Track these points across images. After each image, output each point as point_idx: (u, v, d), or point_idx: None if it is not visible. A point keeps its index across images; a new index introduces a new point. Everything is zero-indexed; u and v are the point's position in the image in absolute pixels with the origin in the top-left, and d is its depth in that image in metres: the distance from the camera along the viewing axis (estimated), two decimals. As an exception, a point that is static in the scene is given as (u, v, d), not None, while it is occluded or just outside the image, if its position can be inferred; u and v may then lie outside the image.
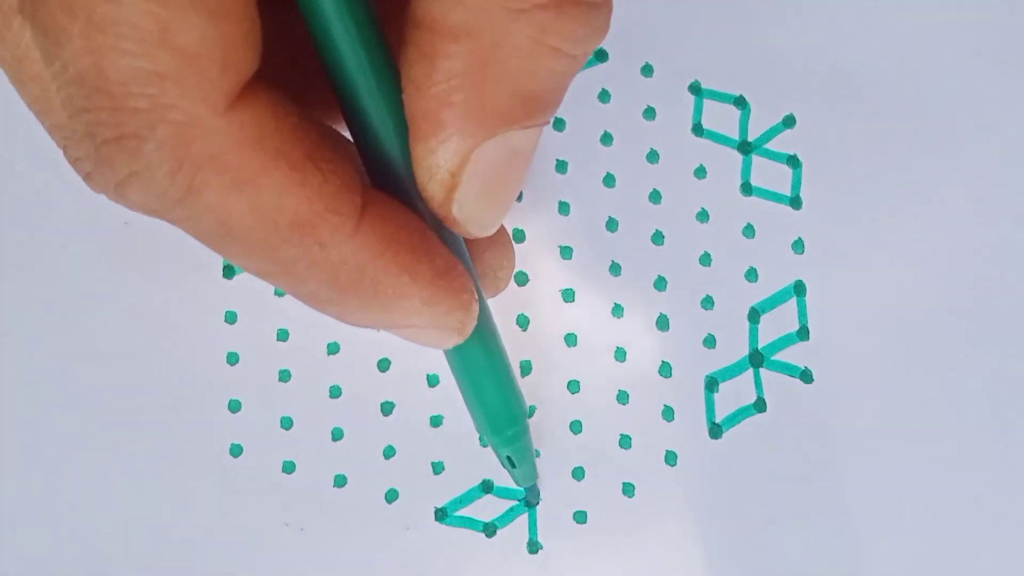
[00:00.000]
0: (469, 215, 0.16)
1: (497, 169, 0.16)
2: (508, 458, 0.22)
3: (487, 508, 0.24)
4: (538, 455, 0.24)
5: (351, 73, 0.15)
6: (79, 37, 0.13)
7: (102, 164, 0.14)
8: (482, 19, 0.14)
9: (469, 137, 0.15)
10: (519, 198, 0.24)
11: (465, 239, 0.18)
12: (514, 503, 0.24)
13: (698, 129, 0.25)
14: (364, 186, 0.16)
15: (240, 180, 0.14)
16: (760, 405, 0.24)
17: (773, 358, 0.24)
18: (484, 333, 0.19)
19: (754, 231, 0.25)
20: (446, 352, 0.19)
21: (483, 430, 0.21)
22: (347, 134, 0.17)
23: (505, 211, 0.17)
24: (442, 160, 0.15)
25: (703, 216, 0.25)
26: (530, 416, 0.24)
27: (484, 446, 0.24)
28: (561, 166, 0.25)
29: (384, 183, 0.16)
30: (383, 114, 0.16)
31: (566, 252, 0.24)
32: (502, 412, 0.20)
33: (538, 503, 0.24)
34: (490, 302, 0.24)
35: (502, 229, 0.20)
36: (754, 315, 0.24)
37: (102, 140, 0.14)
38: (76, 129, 0.14)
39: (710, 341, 0.24)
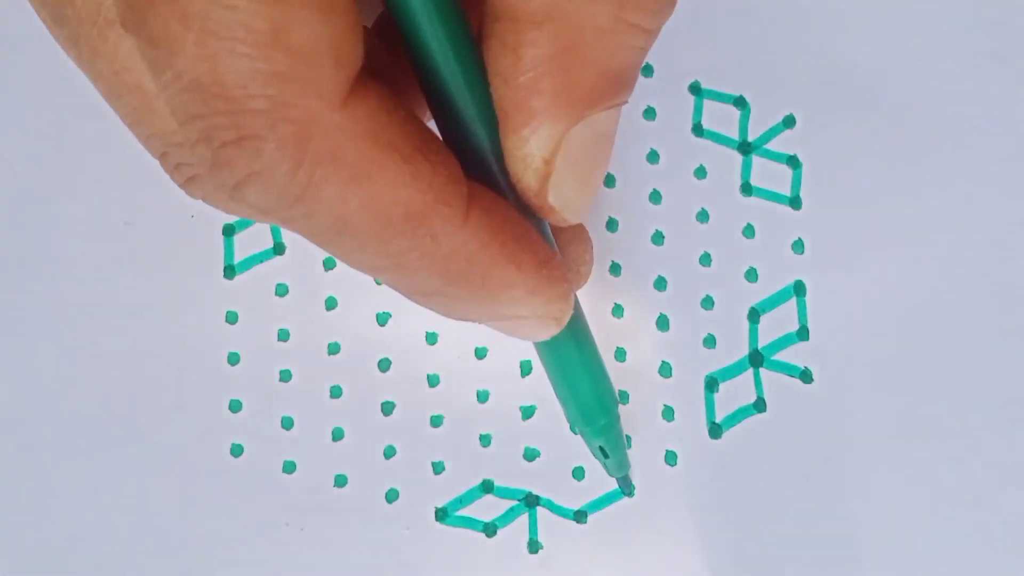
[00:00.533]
0: (565, 201, 0.16)
1: (587, 152, 0.16)
2: (600, 448, 0.22)
3: (487, 508, 0.24)
4: (537, 455, 0.24)
5: (439, 70, 0.16)
6: (194, 45, 0.13)
7: (220, 167, 0.14)
8: (562, 4, 0.14)
9: (559, 122, 0.15)
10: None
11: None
12: (514, 503, 0.24)
13: (698, 129, 0.25)
14: (468, 178, 0.16)
15: (357, 174, 0.14)
16: (760, 405, 0.24)
17: (773, 358, 0.24)
18: (575, 324, 0.19)
19: (754, 231, 0.25)
20: (537, 344, 0.19)
21: (575, 421, 0.21)
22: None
23: (595, 194, 0.17)
24: (535, 148, 0.15)
25: (703, 216, 0.25)
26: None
27: (575, 433, 0.23)
28: (561, 166, 0.25)
29: (476, 177, 0.16)
30: (471, 109, 0.16)
31: (566, 252, 0.24)
32: (594, 402, 0.20)
33: (632, 494, 0.24)
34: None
35: (581, 225, 0.20)
36: (754, 315, 0.24)
37: (220, 143, 0.14)
38: (188, 136, 0.14)
39: (710, 341, 0.24)
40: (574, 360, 0.20)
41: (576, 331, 0.19)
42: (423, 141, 0.15)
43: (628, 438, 0.24)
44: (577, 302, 0.19)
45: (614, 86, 0.15)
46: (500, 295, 0.16)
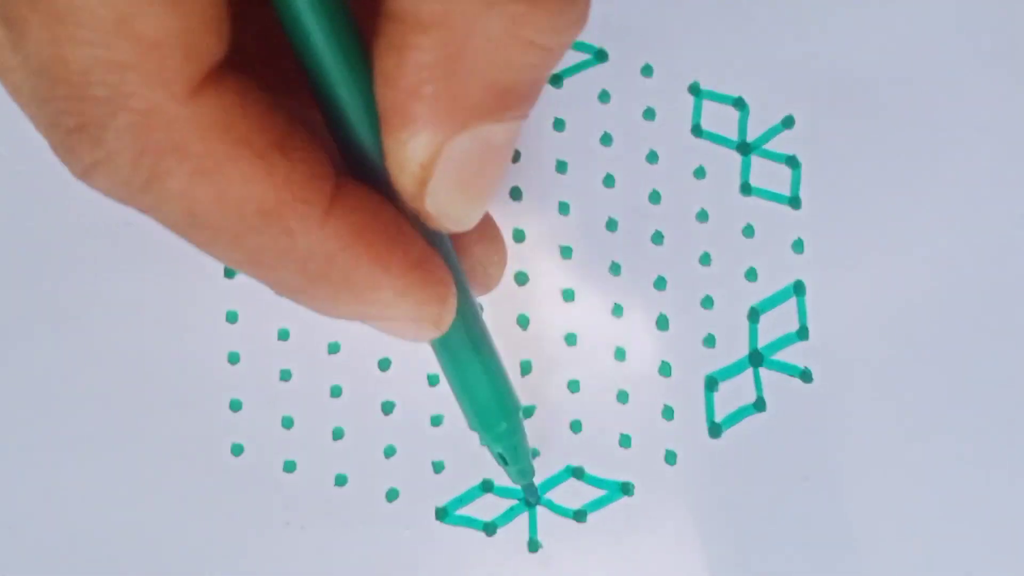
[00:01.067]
0: (442, 209, 0.16)
1: (471, 163, 0.16)
2: (500, 455, 0.21)
3: (487, 508, 0.24)
4: (536, 454, 0.24)
5: (323, 65, 0.15)
6: (40, 28, 0.13)
7: (69, 153, 0.14)
8: (453, 10, 0.14)
9: (440, 130, 0.15)
10: (519, 197, 0.24)
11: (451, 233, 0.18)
12: (514, 503, 0.24)
13: (697, 130, 0.25)
14: (337, 176, 0.15)
15: (203, 168, 0.14)
16: (760, 405, 0.24)
17: (773, 358, 0.24)
18: (471, 327, 0.19)
19: (754, 231, 0.25)
20: (434, 347, 0.19)
21: (473, 426, 0.21)
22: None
23: (483, 205, 0.17)
24: (412, 153, 0.15)
25: (703, 216, 0.25)
26: (528, 416, 0.24)
27: (483, 444, 0.24)
28: (561, 166, 0.25)
29: (362, 174, 0.16)
30: (357, 106, 0.16)
31: (566, 252, 0.24)
32: (491, 407, 0.20)
33: (537, 502, 0.24)
34: (490, 303, 0.24)
35: (492, 225, 0.20)
36: (754, 315, 0.25)
37: (65, 129, 0.14)
38: (44, 119, 0.14)
39: (710, 341, 0.24)
40: (469, 363, 0.19)
41: (471, 334, 0.19)
42: (283, 136, 0.15)
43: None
44: (471, 304, 0.19)
45: (504, 100, 0.15)
46: (365, 296, 0.16)
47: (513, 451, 0.21)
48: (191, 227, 0.15)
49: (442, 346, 0.19)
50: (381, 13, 0.15)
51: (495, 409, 0.20)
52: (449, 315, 0.18)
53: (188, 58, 0.13)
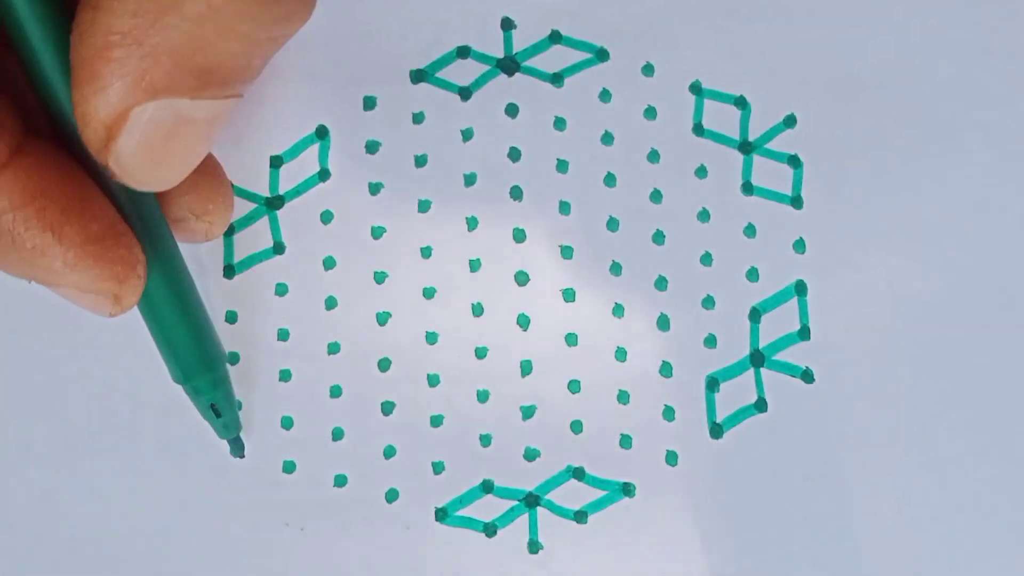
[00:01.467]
0: (127, 170, 0.16)
1: (160, 131, 0.15)
2: (212, 407, 0.22)
3: (487, 508, 0.24)
4: (537, 455, 0.24)
5: (19, 10, 0.15)
6: None
7: None
8: None
9: (126, 96, 0.15)
10: (519, 197, 0.24)
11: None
12: (514, 503, 0.24)
13: (699, 129, 0.25)
14: (22, 135, 0.15)
15: None
16: (761, 405, 0.24)
17: (774, 358, 0.24)
18: (172, 280, 0.19)
19: (755, 231, 0.25)
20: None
21: (177, 378, 0.21)
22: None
23: (176, 171, 0.17)
24: (96, 112, 0.15)
25: (704, 216, 0.25)
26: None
27: (189, 396, 0.22)
28: (561, 166, 0.24)
29: (60, 133, 0.16)
30: (53, 58, 0.15)
31: (566, 252, 0.24)
32: (195, 359, 0.20)
33: (242, 456, 0.23)
34: (490, 303, 0.24)
35: (217, 171, 0.20)
36: (755, 315, 0.24)
37: None
38: None
39: (711, 341, 0.24)
40: (172, 317, 0.20)
41: (174, 287, 0.19)
42: None
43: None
44: (174, 256, 0.19)
45: (201, 80, 0.15)
46: (33, 261, 0.16)
47: (221, 402, 0.22)
48: None
49: (145, 298, 0.19)
50: None
51: (198, 361, 0.20)
52: (131, 295, 0.17)
53: None
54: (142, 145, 0.15)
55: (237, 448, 0.23)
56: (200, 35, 0.14)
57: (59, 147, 0.16)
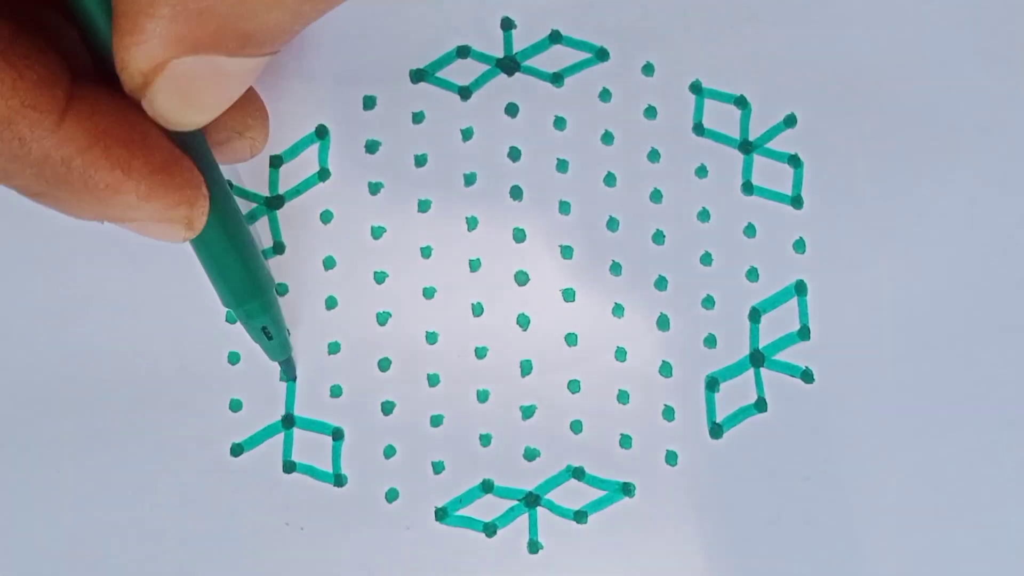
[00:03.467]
0: (160, 113, 0.16)
1: (196, 82, 0.16)
2: (263, 330, 0.22)
3: (487, 508, 0.24)
4: (537, 454, 0.24)
5: None
6: None
7: None
8: None
9: (167, 50, 0.15)
10: (519, 197, 0.24)
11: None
12: (514, 503, 0.24)
13: (699, 128, 0.25)
14: (72, 81, 0.16)
15: None
16: (761, 405, 0.24)
17: (774, 358, 0.24)
18: (223, 212, 0.19)
19: (755, 231, 0.25)
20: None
21: (229, 303, 0.21)
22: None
23: (208, 115, 0.17)
24: (135, 61, 0.15)
25: (704, 216, 0.25)
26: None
27: (240, 322, 0.23)
28: (561, 166, 0.24)
29: (109, 75, 0.16)
30: (99, 4, 0.16)
31: (566, 252, 0.24)
32: (247, 284, 0.21)
33: (295, 378, 0.24)
34: (490, 302, 0.24)
35: (251, 90, 0.20)
36: (755, 315, 0.24)
37: None
38: None
39: (711, 341, 0.24)
40: (223, 244, 0.20)
41: (226, 219, 0.20)
42: (9, 45, 0.15)
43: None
44: (224, 192, 0.20)
45: (240, 42, 0.15)
46: (108, 199, 0.16)
47: (273, 325, 0.22)
48: None
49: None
50: None
51: (250, 286, 0.21)
52: (200, 217, 0.18)
53: None
54: (177, 94, 0.16)
55: (289, 370, 0.24)
56: (249, 5, 0.15)
57: (108, 88, 0.17)
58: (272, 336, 0.22)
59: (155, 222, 0.17)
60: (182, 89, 0.16)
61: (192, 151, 0.18)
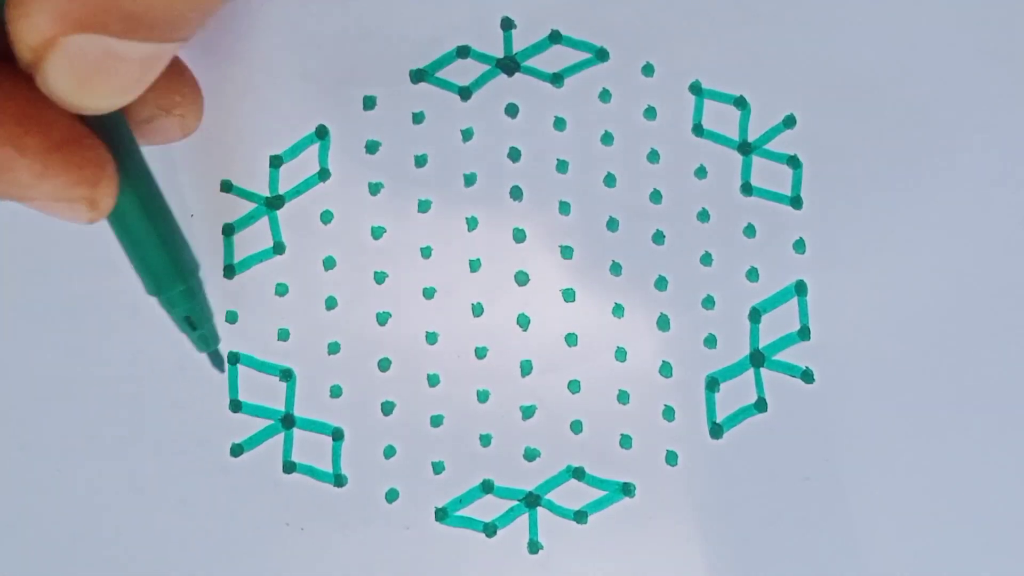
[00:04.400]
0: (55, 93, 0.16)
1: (88, 63, 0.16)
2: (187, 319, 0.21)
3: (487, 508, 0.24)
4: (537, 455, 0.24)
5: None
6: None
7: None
8: None
9: (54, 25, 0.15)
10: (519, 197, 0.24)
11: None
12: (514, 503, 0.24)
13: (698, 129, 0.25)
14: None
15: None
16: (761, 405, 0.24)
17: (774, 358, 0.24)
18: (142, 193, 0.19)
19: (755, 231, 0.25)
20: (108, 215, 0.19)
21: (150, 290, 0.20)
22: None
23: (108, 101, 0.17)
24: (25, 35, 0.15)
25: (704, 216, 0.25)
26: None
27: (164, 309, 0.22)
28: (561, 166, 0.24)
29: (6, 49, 0.16)
30: None
31: (566, 252, 0.24)
32: (168, 270, 0.20)
33: (224, 371, 0.23)
34: (490, 302, 0.24)
35: (176, 65, 0.20)
36: (755, 315, 0.24)
37: None
38: None
39: (711, 341, 0.24)
40: (141, 227, 0.19)
41: (144, 201, 0.19)
42: None
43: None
44: (142, 170, 0.19)
45: (130, 24, 0.15)
46: (2, 178, 0.16)
47: (197, 314, 0.21)
48: None
49: (112, 214, 0.19)
50: None
51: (170, 272, 0.20)
52: (105, 198, 0.18)
53: None
54: (69, 72, 0.16)
55: (217, 362, 0.23)
56: None
57: (6, 64, 0.16)
58: (197, 326, 0.21)
59: (54, 201, 0.17)
60: (76, 70, 0.16)
61: (103, 130, 0.18)
